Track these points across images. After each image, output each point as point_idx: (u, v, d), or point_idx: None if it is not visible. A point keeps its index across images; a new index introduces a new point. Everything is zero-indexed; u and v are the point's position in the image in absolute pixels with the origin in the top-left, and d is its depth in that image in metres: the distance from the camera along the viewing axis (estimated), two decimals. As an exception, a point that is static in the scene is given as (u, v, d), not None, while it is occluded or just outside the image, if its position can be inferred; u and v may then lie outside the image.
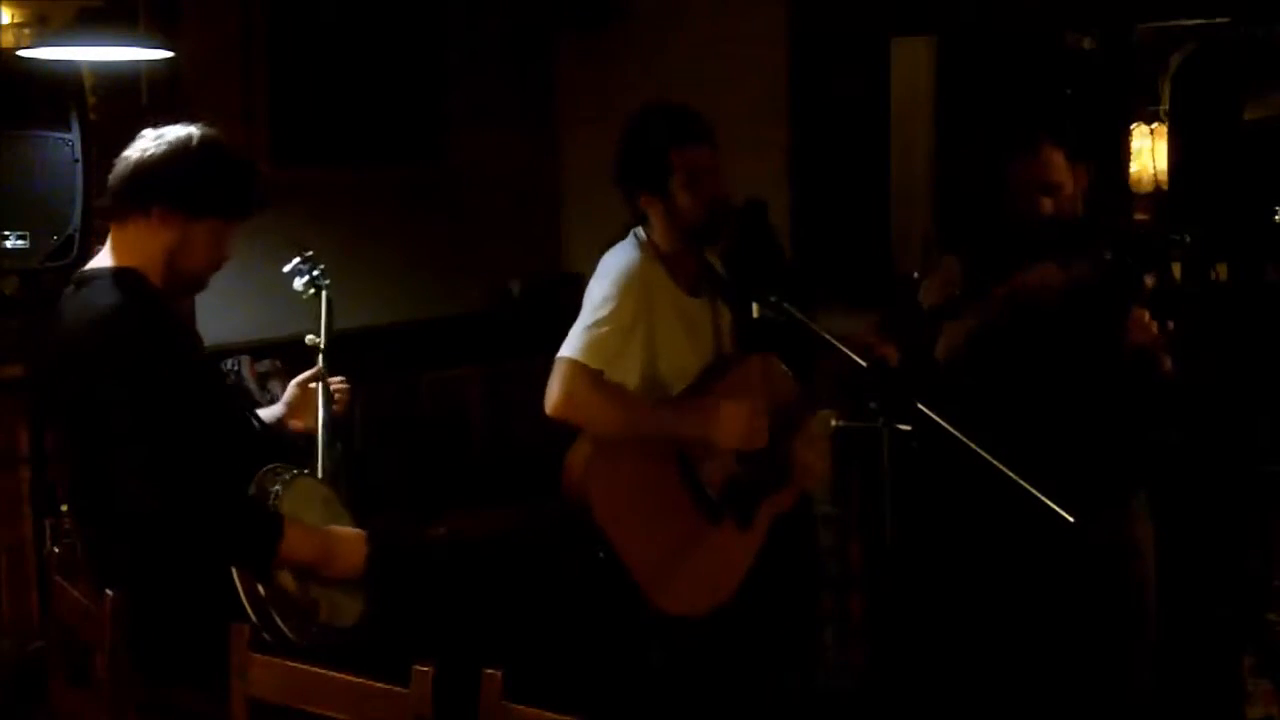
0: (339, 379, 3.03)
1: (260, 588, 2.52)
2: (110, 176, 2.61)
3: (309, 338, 3.06)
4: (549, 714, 2.07)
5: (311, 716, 2.32)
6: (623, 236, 3.48)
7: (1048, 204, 3.36)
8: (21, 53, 3.51)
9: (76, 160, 3.53)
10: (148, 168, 2.56)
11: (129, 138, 2.62)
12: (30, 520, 3.74)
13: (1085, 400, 3.34)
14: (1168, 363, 3.29)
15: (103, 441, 2.47)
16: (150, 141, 2.59)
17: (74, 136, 3.54)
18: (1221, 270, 4.78)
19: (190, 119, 2.64)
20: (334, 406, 3.01)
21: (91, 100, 3.89)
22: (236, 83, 4.43)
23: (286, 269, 3.12)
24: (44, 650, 3.08)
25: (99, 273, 2.62)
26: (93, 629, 2.57)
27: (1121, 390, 3.32)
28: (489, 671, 2.12)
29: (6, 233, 3.50)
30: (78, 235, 3.55)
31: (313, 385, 3.00)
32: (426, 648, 2.56)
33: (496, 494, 4.78)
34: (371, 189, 5.07)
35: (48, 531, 3.63)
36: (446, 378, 5.15)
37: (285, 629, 2.53)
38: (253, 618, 2.50)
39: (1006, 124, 3.95)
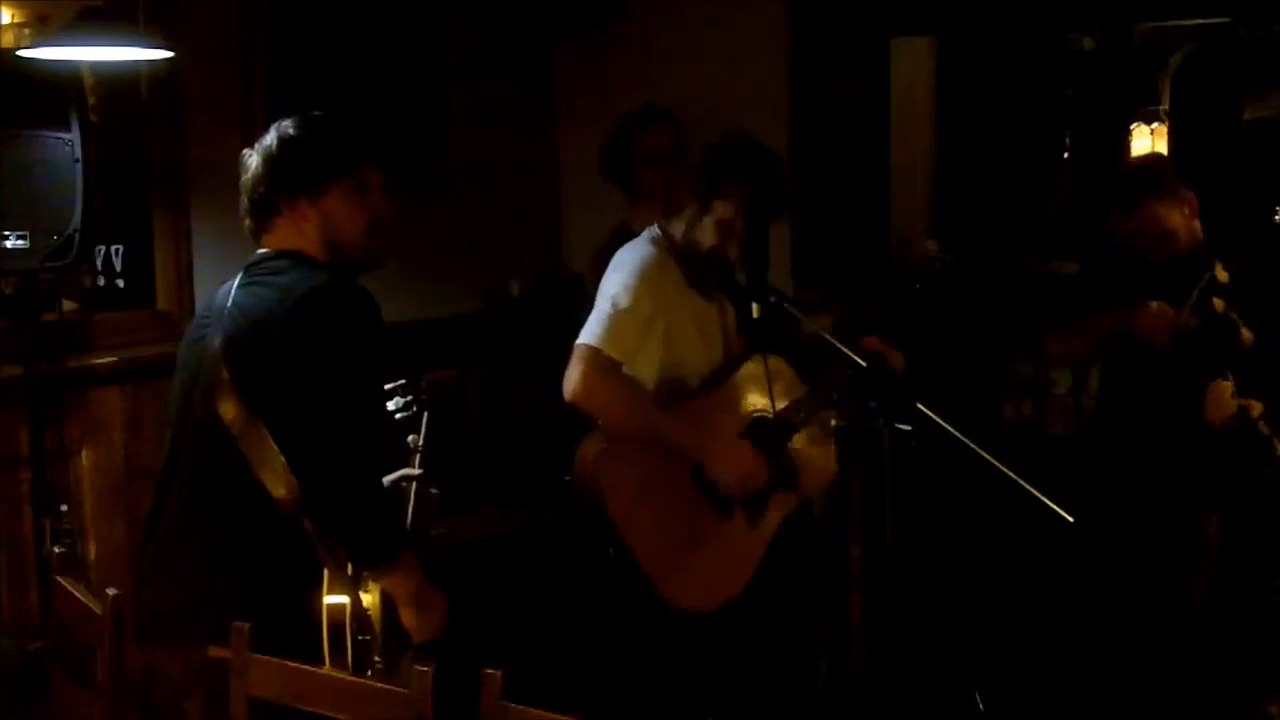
0: (434, 489, 3.02)
1: (348, 604, 2.52)
2: (240, 208, 2.73)
3: (411, 438, 3.06)
4: (549, 714, 2.07)
5: (312, 716, 2.32)
6: (615, 230, 3.47)
7: (1163, 251, 3.40)
8: (21, 53, 3.50)
9: (76, 160, 3.51)
10: (257, 180, 2.69)
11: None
12: (30, 520, 3.74)
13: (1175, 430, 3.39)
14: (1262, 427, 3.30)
15: (305, 406, 2.48)
16: (248, 159, 2.71)
17: (74, 136, 3.52)
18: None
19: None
20: (425, 516, 2.98)
21: (91, 100, 3.87)
22: (236, 83, 4.41)
23: (387, 386, 3.07)
24: (44, 650, 3.09)
25: (292, 253, 2.65)
26: (93, 629, 2.57)
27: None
28: (489, 671, 2.12)
29: (6, 233, 3.48)
30: (78, 235, 3.53)
31: (405, 485, 2.99)
32: (427, 648, 2.57)
33: (496, 494, 4.77)
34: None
35: (48, 531, 3.62)
36: (446, 378, 5.14)
37: (348, 650, 2.52)
38: (324, 629, 2.50)
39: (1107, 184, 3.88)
